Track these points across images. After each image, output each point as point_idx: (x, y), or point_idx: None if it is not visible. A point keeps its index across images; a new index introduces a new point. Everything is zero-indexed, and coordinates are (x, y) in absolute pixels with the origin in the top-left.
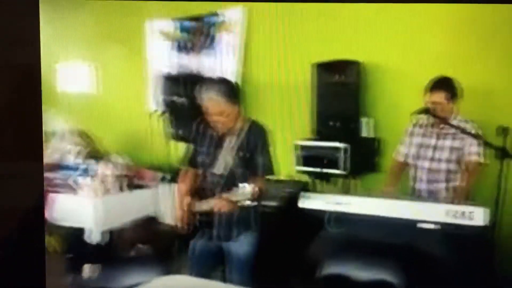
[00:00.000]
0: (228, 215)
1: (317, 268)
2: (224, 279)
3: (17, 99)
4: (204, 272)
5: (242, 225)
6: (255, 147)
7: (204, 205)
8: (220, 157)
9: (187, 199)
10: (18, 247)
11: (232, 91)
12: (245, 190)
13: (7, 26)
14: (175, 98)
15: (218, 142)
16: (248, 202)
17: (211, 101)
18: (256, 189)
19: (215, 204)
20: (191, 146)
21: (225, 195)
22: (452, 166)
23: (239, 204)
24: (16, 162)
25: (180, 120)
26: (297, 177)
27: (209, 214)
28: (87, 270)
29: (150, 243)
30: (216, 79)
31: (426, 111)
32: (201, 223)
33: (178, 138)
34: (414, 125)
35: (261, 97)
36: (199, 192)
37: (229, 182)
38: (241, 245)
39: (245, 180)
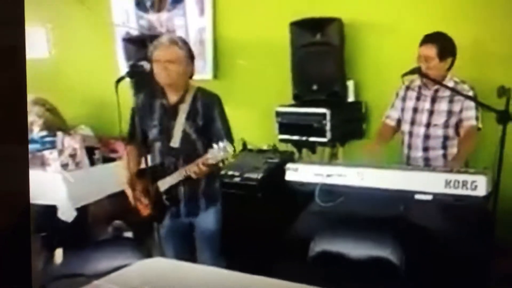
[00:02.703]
0: (193, 188)
1: (307, 245)
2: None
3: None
4: (178, 252)
5: (208, 197)
6: (211, 114)
7: (169, 181)
8: (175, 129)
9: (140, 181)
10: (2, 231)
11: (187, 45)
12: (221, 148)
13: None
14: (138, 62)
15: (171, 113)
16: (226, 161)
17: (163, 47)
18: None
19: (192, 171)
20: (138, 119)
21: (201, 159)
22: (450, 132)
23: (219, 164)
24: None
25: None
26: (280, 146)
27: (174, 190)
28: (59, 255)
29: (127, 219)
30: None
31: (418, 70)
32: (168, 200)
33: None
34: (407, 88)
35: (235, 58)
36: (157, 169)
37: (188, 153)
38: (209, 219)
39: (205, 149)
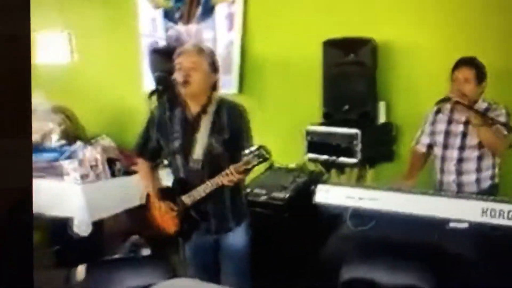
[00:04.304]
0: (220, 203)
1: (336, 270)
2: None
3: (3, 72)
4: (202, 271)
5: (236, 213)
6: (238, 126)
7: (198, 193)
8: (198, 140)
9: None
10: (4, 228)
11: (212, 55)
12: (256, 152)
13: None
14: (165, 74)
15: (193, 124)
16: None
17: (187, 54)
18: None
19: (226, 180)
20: (156, 131)
21: (234, 166)
22: (485, 151)
23: (254, 167)
24: (2, 139)
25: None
26: (309, 165)
27: (203, 204)
28: (81, 272)
29: (145, 234)
30: None
31: (449, 100)
32: (198, 214)
33: None
34: (437, 112)
35: (265, 75)
36: (181, 183)
37: (212, 165)
38: (239, 236)
39: (229, 161)
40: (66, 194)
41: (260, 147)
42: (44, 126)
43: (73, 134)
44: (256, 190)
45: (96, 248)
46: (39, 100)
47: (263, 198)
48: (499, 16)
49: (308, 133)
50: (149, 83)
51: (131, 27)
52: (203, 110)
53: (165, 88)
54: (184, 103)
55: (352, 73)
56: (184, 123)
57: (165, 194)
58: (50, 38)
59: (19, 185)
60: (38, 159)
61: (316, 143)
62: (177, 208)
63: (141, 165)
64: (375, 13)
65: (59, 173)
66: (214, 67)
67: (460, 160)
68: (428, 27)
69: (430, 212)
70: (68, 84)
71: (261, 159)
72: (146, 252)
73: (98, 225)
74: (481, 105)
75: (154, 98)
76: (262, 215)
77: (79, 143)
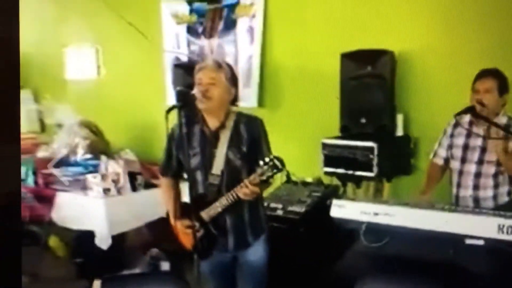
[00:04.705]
0: (239, 218)
1: (350, 286)
2: None
3: None
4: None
5: (256, 227)
6: (255, 138)
7: (215, 208)
8: (217, 155)
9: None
10: None
11: (231, 69)
12: (269, 162)
13: None
14: (186, 89)
15: (212, 139)
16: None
17: (206, 70)
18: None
19: (242, 192)
20: (175, 148)
21: (249, 179)
22: (503, 168)
23: (270, 180)
24: None
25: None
26: (325, 179)
27: (221, 219)
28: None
29: (164, 247)
30: None
31: (471, 110)
32: (216, 229)
33: None
34: (455, 125)
35: (284, 88)
36: (200, 199)
37: (231, 180)
38: (257, 252)
39: (247, 173)
40: (89, 208)
41: (273, 158)
42: (71, 140)
43: (99, 148)
44: (272, 204)
45: (118, 261)
46: (65, 114)
47: (279, 212)
48: None
49: (325, 146)
50: (172, 98)
51: (156, 42)
52: (222, 125)
53: (185, 103)
54: (203, 118)
55: (369, 85)
56: (203, 139)
57: (184, 211)
58: (79, 52)
59: (8, 189)
60: (64, 173)
61: (332, 157)
62: (195, 225)
63: (163, 182)
64: (393, 25)
65: (83, 187)
66: (233, 82)
67: (477, 175)
68: (447, 39)
69: (445, 228)
70: (94, 99)
71: (275, 170)
72: (165, 265)
73: (120, 238)
74: (502, 119)
75: (173, 114)
76: (278, 229)
77: (103, 158)
